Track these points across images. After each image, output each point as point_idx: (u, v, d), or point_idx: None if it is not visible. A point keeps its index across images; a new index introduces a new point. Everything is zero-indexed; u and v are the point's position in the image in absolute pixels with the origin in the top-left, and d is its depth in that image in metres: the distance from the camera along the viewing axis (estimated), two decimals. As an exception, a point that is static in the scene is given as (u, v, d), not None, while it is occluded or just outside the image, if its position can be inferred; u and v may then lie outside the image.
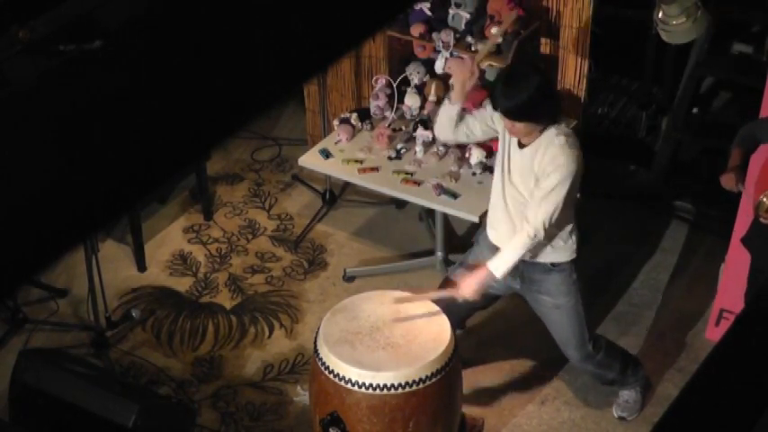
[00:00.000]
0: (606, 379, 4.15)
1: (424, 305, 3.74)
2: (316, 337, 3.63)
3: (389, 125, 4.86)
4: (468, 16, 4.55)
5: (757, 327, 1.12)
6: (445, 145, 4.62)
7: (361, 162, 4.68)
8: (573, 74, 4.71)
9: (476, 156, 4.56)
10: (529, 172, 3.62)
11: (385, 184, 4.59)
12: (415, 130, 4.76)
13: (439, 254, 4.90)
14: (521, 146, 3.61)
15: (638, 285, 4.92)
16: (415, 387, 3.44)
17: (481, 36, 4.52)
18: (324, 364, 3.52)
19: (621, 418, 4.23)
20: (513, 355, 4.55)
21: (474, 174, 4.56)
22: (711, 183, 4.10)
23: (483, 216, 4.16)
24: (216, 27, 0.74)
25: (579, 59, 4.64)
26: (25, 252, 0.69)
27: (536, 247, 3.73)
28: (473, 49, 4.52)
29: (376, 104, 4.94)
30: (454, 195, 4.46)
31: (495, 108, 3.58)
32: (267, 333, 4.72)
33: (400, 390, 3.43)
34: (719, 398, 1.04)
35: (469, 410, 4.10)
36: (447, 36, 4.56)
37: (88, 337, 4.60)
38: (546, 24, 4.66)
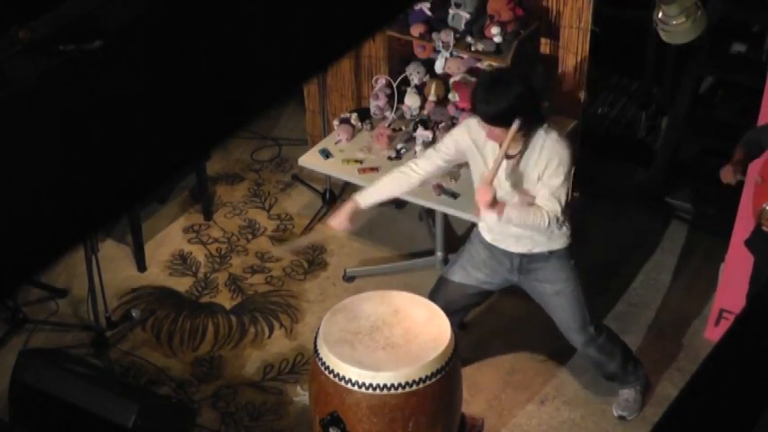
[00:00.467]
0: (608, 371, 4.15)
1: (424, 305, 3.75)
2: (316, 337, 3.63)
3: (389, 125, 4.86)
4: (468, 16, 4.55)
5: (757, 327, 1.12)
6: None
7: (361, 162, 4.68)
8: (573, 74, 4.71)
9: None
10: (525, 178, 3.65)
11: (385, 184, 4.59)
12: (414, 130, 4.76)
13: (439, 254, 4.90)
14: (508, 156, 3.63)
15: (638, 285, 4.93)
16: (414, 387, 3.44)
17: (481, 36, 4.52)
18: (324, 364, 3.52)
19: (621, 418, 4.23)
20: (512, 354, 4.55)
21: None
22: (711, 183, 4.09)
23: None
24: (216, 27, 0.75)
25: (579, 59, 4.64)
26: (25, 252, 0.69)
27: (534, 240, 3.79)
28: (473, 49, 4.52)
29: (376, 104, 4.94)
30: (454, 195, 4.46)
31: (473, 112, 3.63)
32: (267, 333, 4.72)
33: (400, 390, 3.43)
34: (719, 398, 1.04)
35: (469, 410, 4.11)
36: (447, 36, 4.56)
37: (88, 337, 4.60)
38: (546, 24, 4.66)
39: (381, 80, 4.95)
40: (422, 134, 4.70)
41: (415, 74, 4.89)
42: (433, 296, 3.98)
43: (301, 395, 4.34)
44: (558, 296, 3.91)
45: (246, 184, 5.67)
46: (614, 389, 4.26)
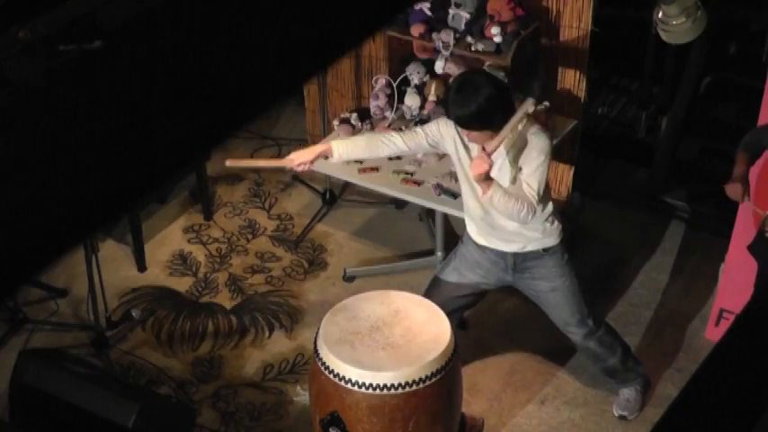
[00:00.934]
0: (608, 364, 4.14)
1: (424, 305, 3.75)
2: (316, 337, 3.63)
3: (389, 125, 4.86)
4: (468, 16, 4.55)
5: (757, 327, 1.12)
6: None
7: (361, 162, 4.68)
8: (573, 74, 4.71)
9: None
10: (506, 171, 3.65)
11: (385, 184, 4.59)
12: (414, 130, 4.75)
13: (439, 254, 4.89)
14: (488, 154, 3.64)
15: (638, 285, 4.92)
16: (414, 387, 3.44)
17: (481, 36, 4.52)
18: (324, 364, 3.52)
19: (622, 417, 4.22)
20: (512, 354, 4.55)
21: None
22: (711, 183, 4.10)
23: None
24: (216, 27, 0.75)
25: (579, 59, 4.64)
26: (25, 252, 0.69)
27: (526, 238, 3.81)
28: (473, 49, 4.52)
29: (376, 104, 4.94)
30: (454, 195, 4.46)
31: (447, 116, 3.66)
32: (267, 333, 4.72)
33: (400, 390, 3.43)
34: (719, 398, 1.04)
35: (469, 410, 4.10)
36: (447, 36, 4.56)
37: (88, 337, 4.60)
38: (546, 24, 4.66)
39: (381, 80, 4.95)
40: (422, 134, 4.70)
41: (415, 74, 4.89)
42: (427, 297, 3.97)
43: (301, 395, 4.34)
44: (554, 292, 3.92)
45: (246, 184, 5.67)
46: (614, 389, 4.26)
